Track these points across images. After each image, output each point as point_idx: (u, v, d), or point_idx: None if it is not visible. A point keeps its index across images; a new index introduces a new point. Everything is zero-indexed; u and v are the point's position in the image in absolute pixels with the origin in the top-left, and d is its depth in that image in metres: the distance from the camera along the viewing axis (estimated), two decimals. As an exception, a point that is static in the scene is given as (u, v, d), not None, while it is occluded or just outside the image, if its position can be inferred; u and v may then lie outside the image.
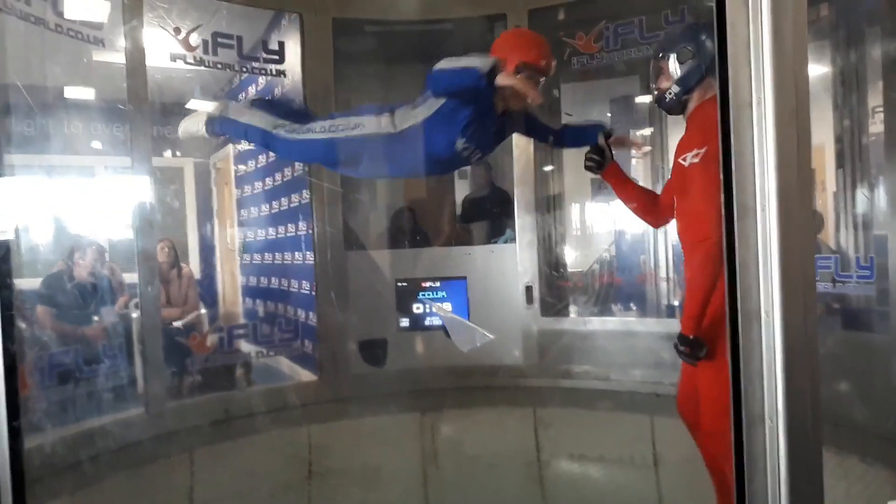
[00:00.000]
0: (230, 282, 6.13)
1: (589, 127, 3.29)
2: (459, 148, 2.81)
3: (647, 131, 5.49)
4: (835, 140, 4.30)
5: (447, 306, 3.77)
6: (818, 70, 4.36)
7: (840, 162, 4.29)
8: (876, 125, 3.94)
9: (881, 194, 3.90)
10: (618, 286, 5.36)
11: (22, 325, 3.95)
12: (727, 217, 1.09)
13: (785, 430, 1.03)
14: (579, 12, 4.88)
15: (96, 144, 4.90)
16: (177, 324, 4.22)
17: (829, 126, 4.28)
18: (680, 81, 2.76)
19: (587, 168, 3.20)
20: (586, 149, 3.28)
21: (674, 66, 2.77)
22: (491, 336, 3.02)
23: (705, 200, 2.53)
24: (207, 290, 5.75)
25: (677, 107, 2.85)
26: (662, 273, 5.26)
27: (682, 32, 2.97)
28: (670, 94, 2.81)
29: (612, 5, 4.79)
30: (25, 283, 4.41)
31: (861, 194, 4.15)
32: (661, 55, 2.87)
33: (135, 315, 4.05)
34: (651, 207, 3.25)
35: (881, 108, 3.85)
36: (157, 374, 3.84)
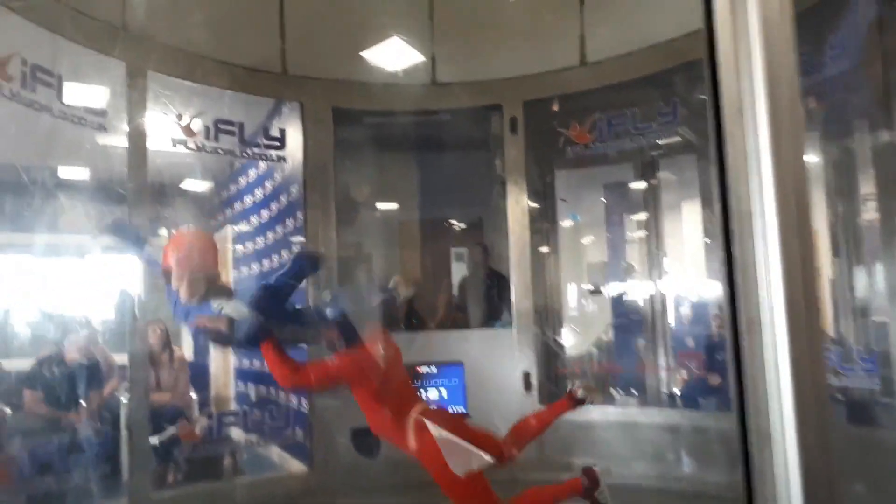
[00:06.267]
0: (223, 364, 6.03)
1: None
2: None
3: (643, 216, 5.58)
4: (829, 228, 4.36)
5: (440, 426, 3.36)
6: (809, 159, 4.47)
7: (836, 250, 4.33)
8: (869, 213, 4.00)
9: (879, 281, 3.91)
10: (616, 374, 5.29)
11: (6, 410, 3.85)
12: (724, 219, 1.09)
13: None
14: (573, 103, 5.02)
15: (94, 225, 4.91)
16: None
17: (822, 214, 4.34)
18: None
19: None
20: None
21: None
22: (490, 460, 2.77)
23: None
24: (199, 372, 5.63)
25: None
26: (662, 361, 5.21)
27: None
28: None
29: (605, 97, 4.93)
30: (13, 364, 4.33)
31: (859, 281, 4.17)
32: None
33: (123, 400, 3.95)
34: None
35: (873, 196, 3.91)
36: (143, 463, 3.70)
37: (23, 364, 4.14)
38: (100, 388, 4.16)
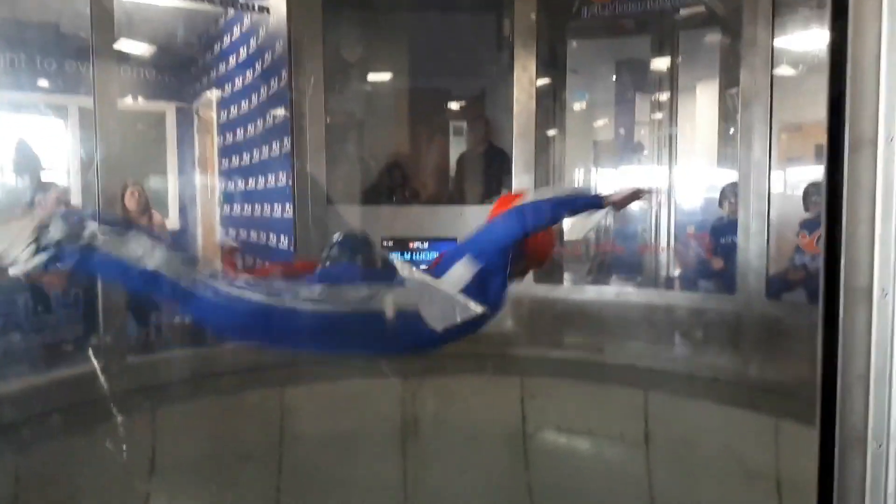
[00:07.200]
0: (209, 234, 5.85)
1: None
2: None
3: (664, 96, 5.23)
4: None
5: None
6: None
7: None
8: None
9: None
10: (615, 255, 5.11)
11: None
12: (831, 154, 0.72)
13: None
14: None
15: (54, 82, 4.48)
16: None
17: None
18: None
19: None
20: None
21: None
22: (478, 309, 2.22)
23: None
24: (184, 241, 5.46)
25: None
26: (663, 244, 5.03)
27: None
28: None
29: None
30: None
31: None
32: None
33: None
34: None
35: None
36: (118, 329, 3.53)
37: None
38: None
